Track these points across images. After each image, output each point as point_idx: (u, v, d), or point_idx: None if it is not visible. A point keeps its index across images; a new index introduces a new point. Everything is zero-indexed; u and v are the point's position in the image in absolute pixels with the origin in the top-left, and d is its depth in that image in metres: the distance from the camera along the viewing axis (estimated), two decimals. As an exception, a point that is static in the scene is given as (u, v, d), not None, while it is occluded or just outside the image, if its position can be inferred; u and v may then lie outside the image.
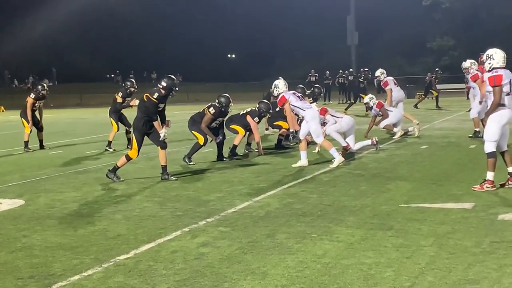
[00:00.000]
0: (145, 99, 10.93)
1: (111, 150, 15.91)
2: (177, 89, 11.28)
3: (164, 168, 11.06)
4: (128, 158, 11.01)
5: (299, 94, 12.99)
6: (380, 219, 7.46)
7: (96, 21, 78.11)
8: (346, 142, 13.53)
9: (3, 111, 48.44)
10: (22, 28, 70.96)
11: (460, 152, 13.43)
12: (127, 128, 16.04)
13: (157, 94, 10.87)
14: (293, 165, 12.20)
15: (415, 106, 29.65)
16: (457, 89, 45.81)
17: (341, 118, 13.85)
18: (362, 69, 38.77)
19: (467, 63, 16.17)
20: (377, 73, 19.57)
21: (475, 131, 15.58)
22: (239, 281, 5.39)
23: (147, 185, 10.53)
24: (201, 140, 13.01)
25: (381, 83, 19.13)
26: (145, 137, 11.05)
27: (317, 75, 42.50)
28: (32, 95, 16.89)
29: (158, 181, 10.91)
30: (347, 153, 13.22)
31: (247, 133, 14.32)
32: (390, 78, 18.94)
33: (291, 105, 12.42)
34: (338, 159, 12.07)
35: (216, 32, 79.07)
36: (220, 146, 13.36)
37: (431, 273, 5.41)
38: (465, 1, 62.42)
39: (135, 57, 79.43)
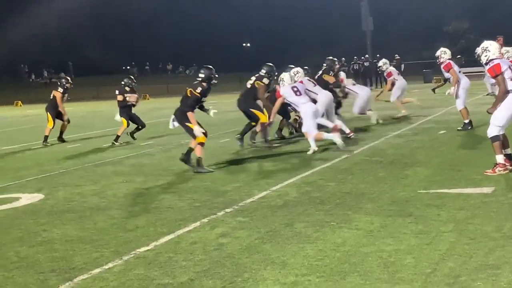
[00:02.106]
0: (189, 94, 10.97)
1: (117, 144, 15.93)
2: (217, 76, 11.41)
3: (198, 160, 10.81)
4: (201, 144, 10.83)
5: (298, 88, 12.90)
6: (399, 205, 7.43)
7: (110, 13, 78.34)
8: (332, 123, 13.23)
9: (20, 105, 48.76)
10: (37, 22, 71.28)
11: (478, 136, 13.32)
12: (139, 127, 16.32)
13: (200, 88, 10.95)
14: (308, 153, 12.19)
15: (433, 90, 29.43)
16: (473, 72, 45.49)
17: (317, 94, 13.64)
18: (378, 55, 38.77)
19: (437, 52, 15.38)
20: (380, 63, 19.86)
21: (464, 123, 14.53)
22: (259, 271, 5.39)
23: (164, 177, 10.55)
24: (263, 118, 12.85)
25: (385, 74, 19.42)
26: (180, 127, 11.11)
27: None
28: (60, 89, 17.14)
29: (175, 172, 10.93)
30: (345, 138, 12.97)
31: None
32: (393, 69, 19.54)
33: (286, 100, 12.65)
34: (313, 149, 12.14)
35: (230, 21, 78.89)
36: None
37: (452, 259, 5.38)
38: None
39: (149, 49, 79.60)
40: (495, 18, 57.78)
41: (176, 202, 8.40)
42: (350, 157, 11.42)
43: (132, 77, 17.03)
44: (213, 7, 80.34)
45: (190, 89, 11.03)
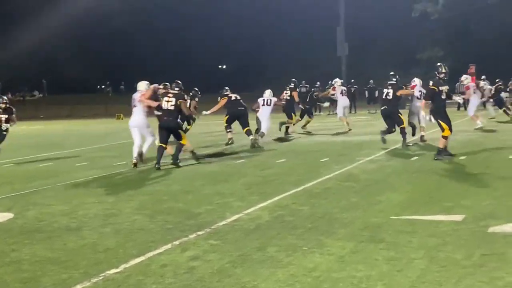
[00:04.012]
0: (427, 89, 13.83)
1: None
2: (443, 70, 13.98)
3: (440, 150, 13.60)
4: (445, 138, 13.69)
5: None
6: (371, 231, 7.44)
7: (86, 32, 78.30)
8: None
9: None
10: (13, 41, 71.04)
11: (450, 163, 13.43)
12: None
13: (432, 82, 13.72)
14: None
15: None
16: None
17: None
18: (352, 81, 39.40)
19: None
20: (335, 81, 24.99)
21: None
22: (229, 295, 5.35)
23: (137, 198, 10.48)
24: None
25: (332, 88, 24.81)
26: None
27: (308, 86, 42.53)
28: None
29: (148, 193, 10.87)
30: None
31: None
32: (343, 88, 24.25)
33: None
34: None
35: (206, 42, 79.12)
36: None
37: (422, 287, 5.39)
38: (453, 12, 62.62)
39: (126, 68, 79.52)
40: (469, 46, 58.51)
41: (147, 224, 8.33)
42: (323, 182, 11.44)
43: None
44: (189, 28, 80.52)
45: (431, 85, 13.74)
